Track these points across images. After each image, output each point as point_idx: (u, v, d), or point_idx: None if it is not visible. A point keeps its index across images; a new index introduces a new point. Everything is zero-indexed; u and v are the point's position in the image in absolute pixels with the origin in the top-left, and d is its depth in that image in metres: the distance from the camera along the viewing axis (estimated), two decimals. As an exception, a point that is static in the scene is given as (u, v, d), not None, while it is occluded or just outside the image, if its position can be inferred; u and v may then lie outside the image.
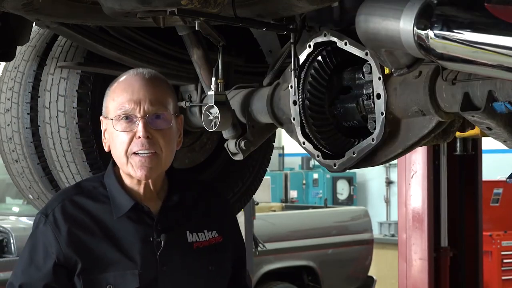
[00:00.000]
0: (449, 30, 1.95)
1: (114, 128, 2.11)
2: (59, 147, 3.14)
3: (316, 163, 2.36)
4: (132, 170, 2.12)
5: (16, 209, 7.38)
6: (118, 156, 2.13)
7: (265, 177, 3.91)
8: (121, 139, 2.11)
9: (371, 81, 2.47)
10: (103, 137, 2.19)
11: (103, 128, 2.18)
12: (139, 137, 2.09)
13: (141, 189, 2.16)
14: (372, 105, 2.48)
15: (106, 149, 2.19)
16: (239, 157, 2.93)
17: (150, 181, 2.16)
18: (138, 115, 2.10)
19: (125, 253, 2.10)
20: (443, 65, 2.10)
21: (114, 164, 2.20)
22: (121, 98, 2.12)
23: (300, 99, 2.65)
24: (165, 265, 2.11)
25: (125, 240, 2.12)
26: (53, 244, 2.10)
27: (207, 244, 2.20)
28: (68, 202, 2.15)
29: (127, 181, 2.17)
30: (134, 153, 2.10)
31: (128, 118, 2.10)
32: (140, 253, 2.11)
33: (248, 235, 7.29)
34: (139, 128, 2.09)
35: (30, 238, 2.16)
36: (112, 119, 2.12)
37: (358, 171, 15.50)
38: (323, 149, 2.68)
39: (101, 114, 2.19)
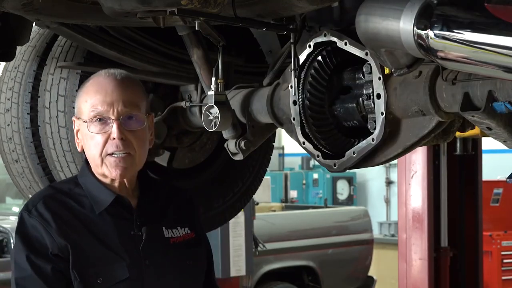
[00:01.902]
0: (449, 30, 1.95)
1: (88, 130, 2.15)
2: (59, 147, 3.14)
3: (316, 163, 2.37)
4: (107, 170, 2.16)
5: (16, 209, 7.38)
6: (93, 157, 2.17)
7: (265, 177, 3.91)
8: (95, 140, 2.14)
9: (371, 81, 2.47)
10: (75, 137, 2.22)
11: (75, 128, 2.21)
12: (114, 139, 2.13)
13: (116, 188, 2.20)
14: (372, 105, 2.48)
15: (79, 149, 2.22)
16: (239, 157, 2.93)
17: (125, 179, 2.20)
18: (112, 117, 2.13)
19: (109, 247, 2.13)
20: (443, 65, 2.10)
21: (88, 163, 2.23)
22: (94, 100, 2.15)
23: (300, 99, 2.65)
24: (148, 258, 2.15)
25: (107, 234, 2.15)
26: (45, 236, 2.11)
27: (182, 239, 2.25)
28: (48, 198, 2.18)
29: (102, 180, 2.20)
30: (109, 154, 2.14)
31: (102, 119, 2.14)
32: (124, 246, 2.14)
33: (248, 235, 7.29)
34: (113, 129, 2.13)
35: (19, 235, 2.14)
36: (85, 121, 2.15)
37: (358, 171, 15.49)
38: (323, 149, 2.68)
39: None
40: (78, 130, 2.20)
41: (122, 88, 2.17)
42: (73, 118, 2.22)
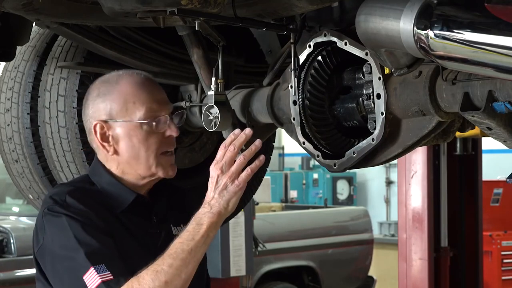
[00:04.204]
0: (449, 30, 1.95)
1: (142, 130, 2.11)
2: (59, 147, 3.14)
3: (316, 163, 2.38)
4: (161, 170, 2.14)
5: (16, 209, 7.38)
6: (146, 158, 2.13)
7: (265, 177, 3.90)
8: (152, 140, 2.12)
9: (371, 81, 2.47)
10: (101, 142, 2.15)
11: (99, 132, 2.14)
12: (169, 136, 2.13)
13: (144, 187, 2.19)
14: (372, 105, 2.49)
15: (110, 153, 2.16)
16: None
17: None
18: (166, 115, 2.13)
19: (136, 243, 2.11)
20: (443, 65, 2.10)
21: (101, 163, 2.19)
22: (145, 99, 2.12)
23: (300, 99, 2.65)
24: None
25: (131, 232, 2.12)
26: (92, 219, 2.04)
27: None
28: (73, 192, 2.11)
29: (129, 179, 2.17)
30: (162, 153, 2.13)
31: (158, 119, 2.13)
32: (145, 244, 2.13)
33: (248, 235, 7.29)
34: (173, 127, 2.13)
35: (63, 222, 2.02)
36: (133, 121, 2.11)
37: (358, 171, 15.50)
38: (323, 149, 2.68)
39: None
40: (104, 134, 2.14)
41: (159, 87, 2.18)
42: (97, 122, 2.14)
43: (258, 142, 2.05)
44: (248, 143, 2.93)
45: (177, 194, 2.36)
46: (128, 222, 2.13)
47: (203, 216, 2.01)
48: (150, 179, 2.18)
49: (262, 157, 2.06)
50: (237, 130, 2.07)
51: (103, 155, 2.19)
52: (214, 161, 2.05)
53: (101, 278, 1.95)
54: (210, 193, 2.03)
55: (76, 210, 2.05)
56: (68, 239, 2.01)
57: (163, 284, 1.94)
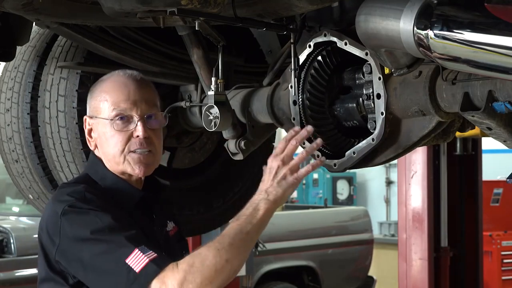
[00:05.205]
0: (449, 30, 1.95)
1: (110, 128, 2.15)
2: (59, 147, 3.14)
3: (316, 163, 2.41)
4: (129, 167, 2.17)
5: (16, 209, 7.37)
6: (113, 155, 2.17)
7: (265, 177, 3.89)
8: (117, 139, 2.16)
9: (371, 81, 2.47)
10: (87, 137, 2.23)
11: (87, 127, 2.22)
12: (137, 137, 2.15)
13: (135, 183, 2.21)
14: (372, 105, 2.49)
15: (91, 148, 2.22)
16: (239, 157, 2.93)
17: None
18: (136, 116, 2.15)
19: (153, 238, 2.12)
20: (443, 65, 2.10)
21: (102, 162, 2.22)
22: (116, 98, 2.17)
23: (300, 99, 2.65)
24: (165, 251, 2.12)
25: (143, 228, 2.12)
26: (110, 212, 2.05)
27: (173, 233, 2.28)
28: (88, 189, 2.11)
29: (121, 177, 2.20)
30: (131, 151, 2.16)
31: (124, 118, 2.16)
32: (153, 240, 2.13)
33: (248, 235, 7.27)
34: (139, 128, 2.15)
35: (89, 215, 2.01)
36: (105, 119, 2.16)
37: (358, 171, 15.48)
38: (323, 149, 2.68)
39: None
40: (90, 129, 2.21)
41: (143, 88, 2.20)
42: (85, 117, 2.23)
43: (319, 140, 2.17)
44: (248, 143, 2.94)
45: (161, 191, 2.37)
46: (136, 218, 2.15)
47: (260, 202, 2.09)
48: (130, 176, 2.20)
49: (323, 157, 2.21)
50: (297, 127, 2.18)
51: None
52: (274, 154, 2.13)
53: (148, 257, 1.94)
54: (268, 182, 2.10)
55: (99, 204, 2.06)
56: (100, 231, 2.00)
57: (224, 261, 1.96)
